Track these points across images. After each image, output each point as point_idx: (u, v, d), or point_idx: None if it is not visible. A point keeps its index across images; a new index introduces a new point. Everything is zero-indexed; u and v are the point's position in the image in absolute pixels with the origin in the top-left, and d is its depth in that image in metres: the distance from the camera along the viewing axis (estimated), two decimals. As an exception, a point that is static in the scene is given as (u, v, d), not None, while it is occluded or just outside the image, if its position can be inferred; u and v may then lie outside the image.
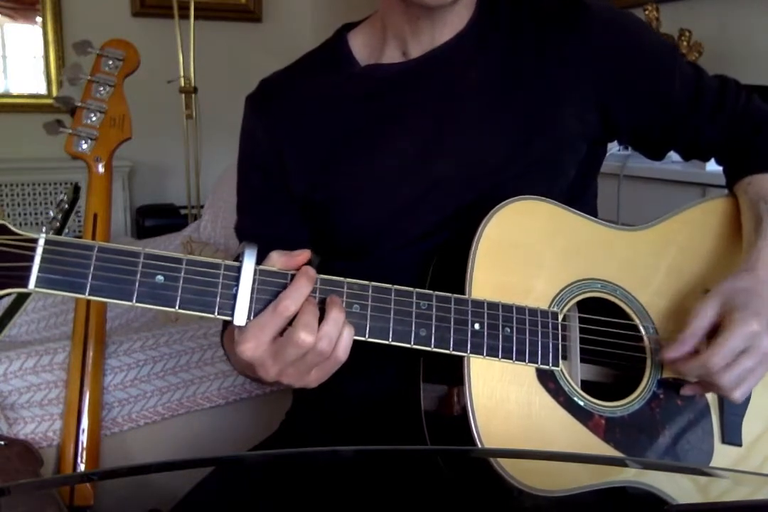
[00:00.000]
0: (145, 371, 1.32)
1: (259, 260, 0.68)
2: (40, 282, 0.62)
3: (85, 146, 1.26)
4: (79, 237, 1.53)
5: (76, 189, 1.40)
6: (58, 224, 1.34)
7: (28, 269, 0.62)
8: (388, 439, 0.86)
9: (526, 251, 0.77)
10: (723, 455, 0.79)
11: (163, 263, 0.65)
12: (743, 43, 1.78)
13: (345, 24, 0.94)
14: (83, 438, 1.24)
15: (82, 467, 1.24)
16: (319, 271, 0.69)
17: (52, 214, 1.37)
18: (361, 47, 0.90)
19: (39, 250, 0.62)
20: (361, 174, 0.86)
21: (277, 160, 0.89)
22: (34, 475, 1.12)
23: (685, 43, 1.67)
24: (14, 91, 3.35)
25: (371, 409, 0.89)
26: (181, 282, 0.65)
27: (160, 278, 0.65)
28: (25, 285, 0.62)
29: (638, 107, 0.86)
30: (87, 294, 0.63)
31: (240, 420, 1.39)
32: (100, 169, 1.28)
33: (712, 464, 0.78)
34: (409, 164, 0.85)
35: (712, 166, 1.26)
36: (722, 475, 0.73)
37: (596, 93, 0.84)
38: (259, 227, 0.94)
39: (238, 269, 0.67)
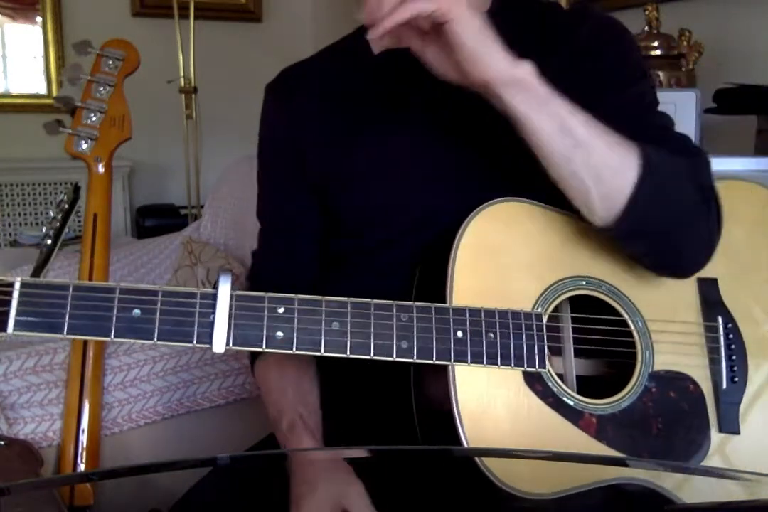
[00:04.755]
0: (145, 371, 1.32)
1: (263, 268, 0.68)
2: (18, 326, 0.62)
3: (85, 146, 1.26)
4: (79, 237, 1.52)
5: (76, 189, 1.39)
6: (58, 224, 1.34)
7: (6, 314, 0.62)
8: (386, 439, 0.86)
9: (506, 254, 0.77)
10: (721, 444, 0.78)
11: (138, 296, 0.65)
12: (743, 43, 1.78)
13: None
14: (83, 438, 1.24)
15: (82, 467, 1.24)
16: (324, 252, 0.68)
17: (52, 214, 1.37)
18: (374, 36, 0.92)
19: (15, 294, 0.62)
20: (366, 157, 0.88)
21: (292, 142, 0.92)
22: (34, 475, 1.12)
23: (685, 43, 1.67)
24: (14, 91, 3.35)
25: (369, 410, 0.90)
26: (158, 314, 0.65)
27: (136, 312, 0.65)
28: (4, 330, 0.61)
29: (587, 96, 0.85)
30: (65, 333, 0.63)
31: (240, 420, 1.39)
32: (100, 169, 1.28)
33: (710, 453, 0.78)
34: (414, 152, 0.87)
35: (712, 166, 1.26)
36: (724, 475, 0.72)
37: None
38: (275, 208, 0.97)
39: (214, 296, 0.66)
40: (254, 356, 0.96)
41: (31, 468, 1.13)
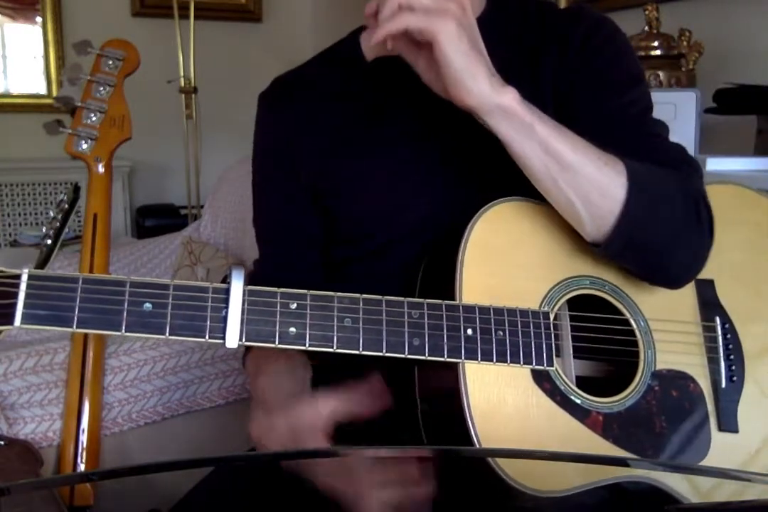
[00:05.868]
0: (145, 371, 1.32)
1: (263, 275, 0.68)
2: (25, 319, 0.61)
3: (85, 146, 1.26)
4: (79, 237, 1.52)
5: (76, 189, 1.40)
6: (58, 224, 1.34)
7: (13, 306, 0.60)
8: (387, 440, 0.86)
9: (512, 252, 0.77)
10: (721, 443, 0.79)
11: (150, 290, 0.64)
12: (743, 43, 1.78)
13: (361, 26, 0.95)
14: (83, 438, 1.24)
15: (82, 467, 1.24)
16: (323, 262, 0.67)
17: (52, 214, 1.37)
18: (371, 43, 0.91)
19: (23, 286, 0.61)
20: (361, 163, 0.88)
21: (287, 149, 0.92)
22: (34, 475, 1.12)
23: (685, 43, 1.67)
24: (14, 91, 3.35)
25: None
26: (170, 308, 0.64)
27: (148, 306, 0.64)
28: (11, 323, 0.60)
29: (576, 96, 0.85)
30: (75, 327, 0.62)
31: (240, 420, 1.39)
32: (100, 169, 1.28)
33: (710, 452, 0.78)
34: (411, 155, 0.87)
35: (712, 166, 1.26)
36: (724, 475, 0.73)
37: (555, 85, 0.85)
38: (272, 213, 0.97)
39: (227, 291, 0.66)
40: (246, 350, 0.96)
41: (31, 468, 1.13)
